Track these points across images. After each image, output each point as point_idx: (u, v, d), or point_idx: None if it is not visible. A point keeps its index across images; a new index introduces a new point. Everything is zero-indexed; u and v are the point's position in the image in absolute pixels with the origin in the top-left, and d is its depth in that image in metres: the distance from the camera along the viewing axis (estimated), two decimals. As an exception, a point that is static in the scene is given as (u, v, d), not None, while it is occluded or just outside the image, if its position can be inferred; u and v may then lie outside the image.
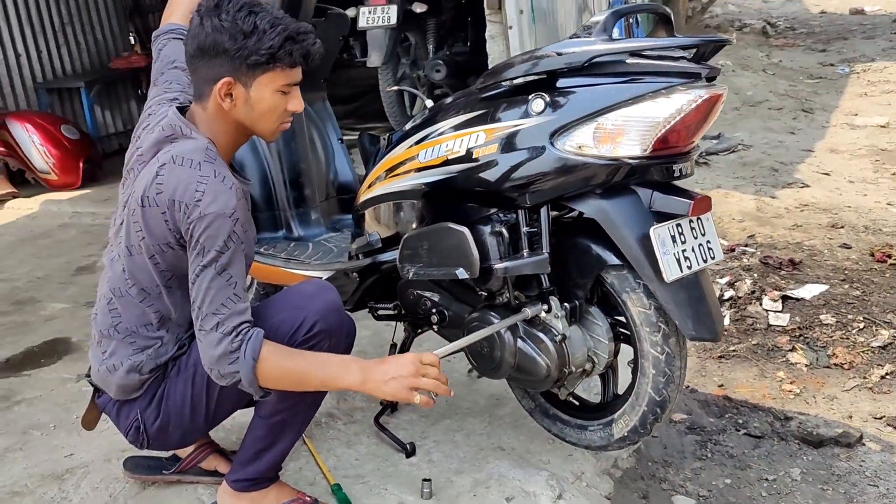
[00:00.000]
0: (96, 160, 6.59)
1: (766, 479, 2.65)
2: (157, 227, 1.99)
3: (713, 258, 2.27)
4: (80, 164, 6.32)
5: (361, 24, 6.00)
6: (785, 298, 3.71)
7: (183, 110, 2.14)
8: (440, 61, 6.34)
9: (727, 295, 3.77)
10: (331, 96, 3.53)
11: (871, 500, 2.53)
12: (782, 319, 3.56)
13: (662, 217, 2.19)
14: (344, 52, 7.34)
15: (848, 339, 3.40)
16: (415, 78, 6.59)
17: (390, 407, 2.86)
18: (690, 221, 2.23)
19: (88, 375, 2.28)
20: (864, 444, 2.79)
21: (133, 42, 7.81)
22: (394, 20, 5.96)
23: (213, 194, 1.94)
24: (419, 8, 6.19)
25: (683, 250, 2.20)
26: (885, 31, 10.25)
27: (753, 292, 3.77)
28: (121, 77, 7.44)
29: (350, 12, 6.13)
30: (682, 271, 2.18)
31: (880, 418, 2.92)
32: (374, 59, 6.15)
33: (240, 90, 2.02)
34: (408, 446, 2.66)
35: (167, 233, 1.99)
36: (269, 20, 2.00)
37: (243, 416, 2.33)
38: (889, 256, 4.05)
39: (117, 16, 7.68)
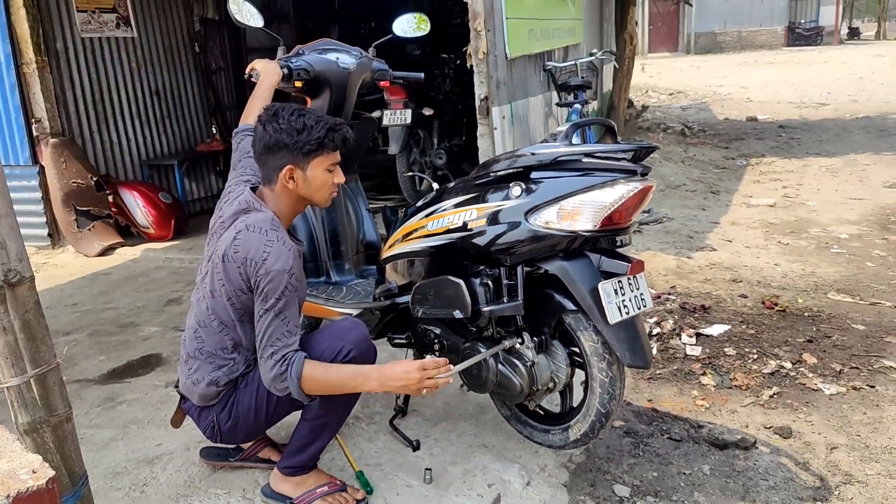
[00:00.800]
0: (184, 219, 6.60)
1: (684, 473, 2.63)
2: (234, 277, 2.01)
3: (645, 306, 2.29)
4: (172, 222, 6.33)
5: (385, 122, 6.07)
6: (698, 335, 3.71)
7: (254, 189, 2.16)
8: (442, 151, 6.40)
9: (655, 331, 3.77)
10: (360, 175, 3.57)
11: (763, 491, 2.51)
12: (696, 351, 3.56)
13: (608, 275, 2.22)
14: (371, 142, 7.41)
15: (745, 366, 3.40)
16: (423, 162, 6.65)
17: (402, 412, 2.85)
18: (629, 279, 2.26)
19: (177, 386, 2.28)
20: (757, 448, 2.78)
21: (214, 132, 7.87)
22: (409, 120, 6.04)
23: (276, 255, 1.97)
24: (428, 112, 6.28)
25: (623, 300, 2.22)
26: (773, 134, 10.36)
27: (674, 330, 3.77)
28: (203, 157, 7.49)
29: (375, 114, 6.22)
30: (622, 315, 2.20)
31: (769, 428, 2.91)
32: (393, 148, 6.22)
33: (299, 173, 2.06)
34: (414, 442, 2.65)
35: (241, 282, 2.01)
36: (315, 118, 2.05)
37: (291, 417, 2.32)
38: (776, 304, 4.06)
39: (203, 111, 7.75)
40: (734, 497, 2.50)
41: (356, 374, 2.04)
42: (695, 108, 13.72)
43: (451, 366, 2.08)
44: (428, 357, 2.10)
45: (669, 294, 4.28)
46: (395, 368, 2.01)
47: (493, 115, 4.56)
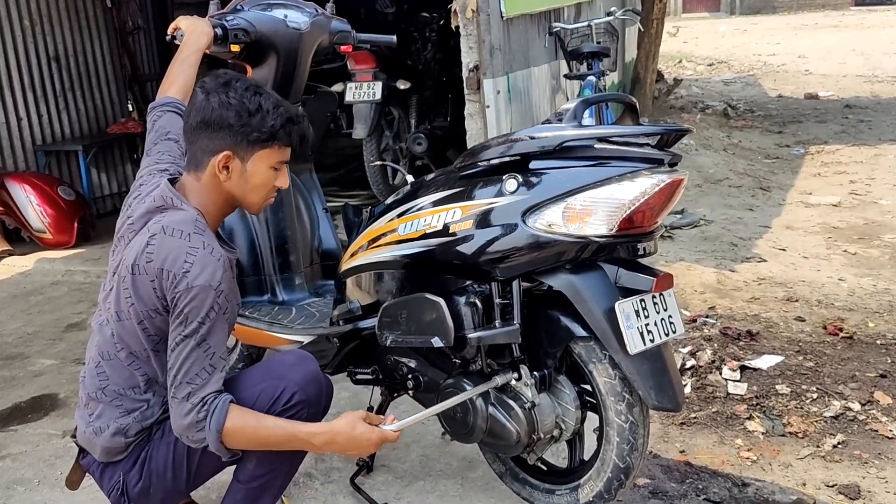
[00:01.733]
0: (90, 220, 6.57)
1: (725, 544, 2.64)
2: (146, 294, 2.00)
3: (674, 332, 2.29)
4: (75, 224, 6.29)
5: (348, 98, 6.07)
6: (743, 368, 3.73)
7: (173, 181, 2.15)
8: (421, 135, 6.40)
9: (689, 364, 3.78)
10: (316, 164, 3.56)
11: (825, 567, 2.52)
12: (740, 388, 3.57)
13: (627, 292, 2.22)
14: (330, 123, 7.41)
15: (802, 408, 3.41)
16: (397, 150, 6.64)
17: (366, 467, 2.84)
18: (653, 297, 2.26)
19: (74, 436, 2.25)
20: (817, 512, 2.79)
21: (131, 109, 7.85)
22: (378, 96, 6.04)
23: (201, 266, 1.96)
24: (403, 85, 6.27)
25: (647, 324, 2.22)
26: (837, 115, 10.47)
27: (713, 362, 3.78)
28: (117, 141, 7.46)
29: (337, 87, 6.23)
30: (645, 344, 2.20)
31: (832, 486, 2.92)
32: (360, 131, 6.20)
33: (237, 164, 2.06)
34: (382, 507, 2.64)
35: (155, 300, 1.99)
36: (273, 102, 2.07)
37: (224, 474, 2.30)
38: (840, 330, 4.08)
39: (117, 83, 7.73)
40: (788, 575, 2.50)
41: (296, 432, 2.05)
42: (740, 82, 13.86)
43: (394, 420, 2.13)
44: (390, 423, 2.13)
45: (707, 317, 4.29)
46: (355, 429, 2.04)
47: (484, 90, 4.57)
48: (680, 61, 16.86)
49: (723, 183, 7.20)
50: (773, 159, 8.27)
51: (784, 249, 5.45)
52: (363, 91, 6.08)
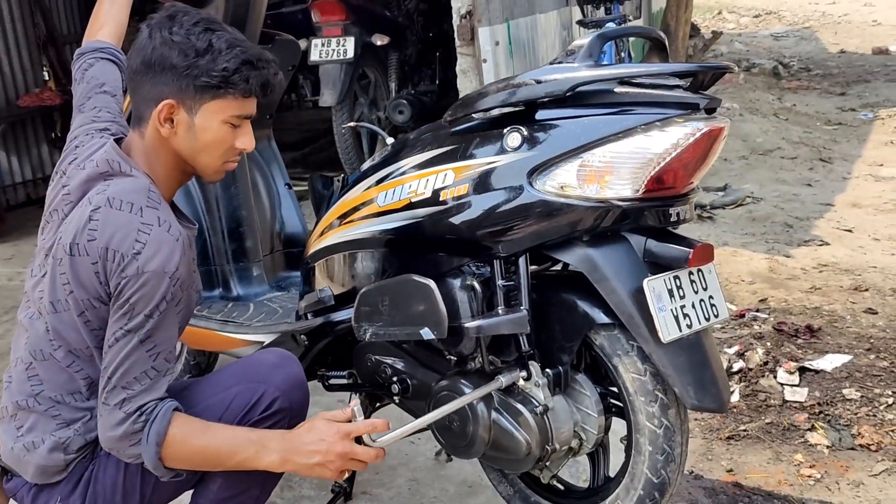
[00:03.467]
0: (-1, 213, 6.58)
1: (784, 579, 2.65)
2: (88, 279, 1.98)
3: (717, 316, 2.30)
4: (-20, 219, 6.30)
5: (314, 57, 6.08)
6: (802, 370, 3.74)
7: (118, 143, 2.15)
8: (403, 101, 6.42)
9: (736, 367, 3.79)
10: (277, 142, 3.56)
11: None
12: (800, 394, 3.59)
13: (658, 268, 2.22)
14: (292, 91, 7.41)
15: (875, 416, 3.43)
16: (374, 120, 6.67)
17: (344, 495, 2.85)
18: (690, 273, 2.26)
19: (-3, 455, 2.24)
20: (895, 537, 2.81)
21: (46, 77, 7.84)
22: (350, 54, 6.05)
23: (155, 246, 1.95)
24: (380, 40, 6.28)
25: (682, 306, 2.22)
26: (912, 72, 10.55)
27: (766, 363, 3.80)
28: (30, 117, 7.45)
29: (300, 45, 6.24)
30: (681, 330, 2.20)
31: (913, 507, 2.95)
32: (328, 97, 6.21)
33: (182, 116, 2.04)
34: (366, 542, 2.64)
35: (98, 286, 1.98)
36: (228, 40, 2.03)
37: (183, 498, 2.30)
38: (920, 323, 4.12)
39: (28, 47, 7.72)
40: None
41: (248, 442, 2.03)
42: (793, 36, 13.92)
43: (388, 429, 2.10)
44: (354, 407, 2.08)
45: (758, 311, 4.32)
46: (306, 437, 2.02)
47: (480, 40, 4.58)
48: (719, 12, 16.93)
49: (774, 154, 7.23)
50: (834, 126, 8.31)
51: (850, 231, 5.48)
52: (332, 49, 6.09)
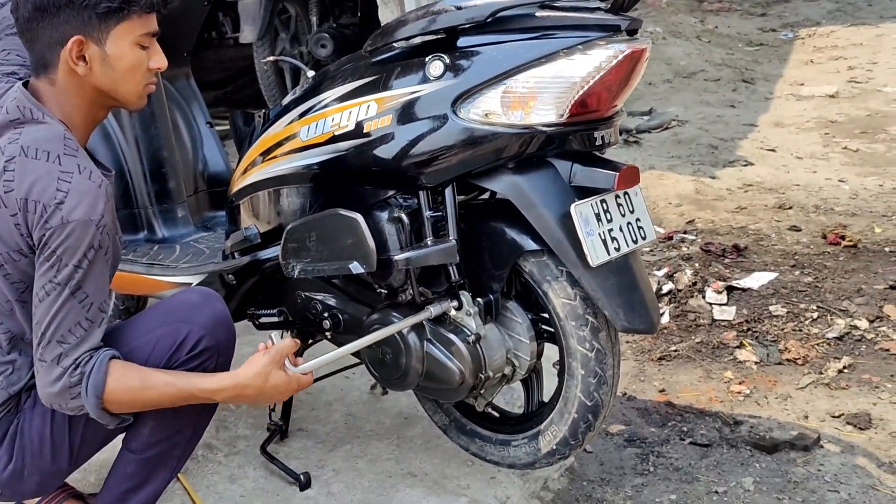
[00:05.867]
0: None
1: (716, 492, 2.71)
2: (6, 231, 1.93)
3: (644, 238, 2.31)
4: None
5: (229, -10, 5.95)
6: (730, 289, 3.81)
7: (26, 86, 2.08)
8: (325, 35, 6.32)
9: (665, 288, 3.85)
10: (198, 81, 3.49)
11: (833, 508, 2.62)
12: (728, 313, 3.65)
13: (585, 192, 2.22)
14: (212, 29, 7.26)
15: (801, 331, 3.50)
16: (297, 55, 6.55)
17: (279, 432, 2.84)
18: (617, 196, 2.27)
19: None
20: (822, 447, 2.88)
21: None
22: (269, -14, 5.93)
23: (78, 195, 1.90)
24: (300, -28, 6.17)
25: (610, 230, 2.23)
26: (831, -10, 10.63)
27: (695, 284, 3.86)
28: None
29: (217, -21, 6.10)
30: (609, 254, 2.21)
31: (838, 416, 3.02)
32: (248, 33, 6.09)
33: (94, 49, 1.99)
34: (301, 477, 2.64)
35: (18, 238, 1.93)
36: None
37: (102, 453, 2.27)
38: (842, 238, 4.19)
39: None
40: (791, 519, 2.59)
41: (193, 389, 2.03)
42: (714, -43, 13.93)
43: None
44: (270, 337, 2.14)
45: (686, 232, 4.37)
46: (268, 381, 2.04)
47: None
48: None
49: (697, 76, 7.28)
50: (756, 46, 8.37)
51: (773, 150, 5.55)
52: (249, -19, 5.95)
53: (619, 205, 2.28)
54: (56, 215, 1.89)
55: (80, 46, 1.98)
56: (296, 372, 2.10)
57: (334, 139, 2.37)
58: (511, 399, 2.96)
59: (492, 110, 2.18)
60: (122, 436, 2.21)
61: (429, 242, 2.32)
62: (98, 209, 1.92)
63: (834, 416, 3.02)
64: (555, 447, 2.45)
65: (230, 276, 2.70)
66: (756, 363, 3.35)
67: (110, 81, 2.03)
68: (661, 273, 3.95)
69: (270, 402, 2.12)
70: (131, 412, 2.06)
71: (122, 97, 2.08)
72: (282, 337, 2.85)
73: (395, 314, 2.41)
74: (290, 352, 2.11)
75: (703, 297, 3.77)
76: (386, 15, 4.61)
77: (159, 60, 2.08)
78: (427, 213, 2.33)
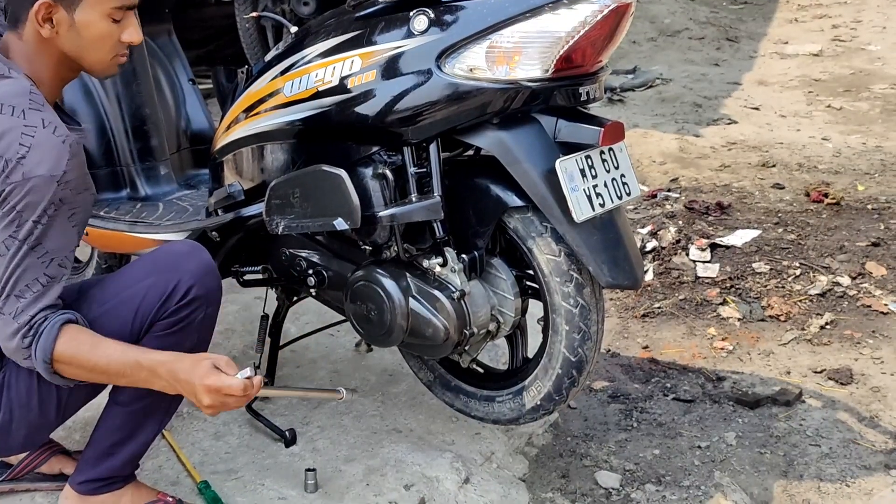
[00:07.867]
0: None
1: (699, 447, 2.73)
2: None
3: (629, 194, 2.31)
4: None
5: (210, -54, 5.89)
6: (714, 247, 3.82)
7: None
8: (309, -10, 6.27)
9: (649, 246, 3.86)
10: (180, 41, 3.47)
11: (814, 462, 2.63)
12: (711, 270, 3.67)
13: (570, 148, 2.22)
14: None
15: (783, 287, 3.52)
16: (279, 12, 6.48)
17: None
18: (602, 152, 2.27)
19: None
20: (803, 402, 2.90)
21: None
22: (250, -61, 5.87)
23: (41, 151, 1.88)
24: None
25: (595, 185, 2.23)
26: (815, -52, 10.59)
27: (678, 241, 3.87)
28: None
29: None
30: (594, 210, 2.21)
31: (820, 372, 3.04)
32: (229, -10, 6.05)
33: (62, 14, 1.95)
34: (287, 434, 2.64)
35: None
36: None
37: (87, 410, 2.27)
38: (825, 196, 4.21)
39: None
40: (772, 473, 2.61)
41: (139, 362, 1.96)
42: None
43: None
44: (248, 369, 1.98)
45: (669, 190, 4.37)
46: (213, 387, 1.91)
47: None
48: None
49: (681, 35, 7.26)
50: (740, 5, 8.34)
51: (757, 108, 5.55)
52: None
53: (603, 161, 2.27)
54: (17, 170, 1.86)
55: (49, 9, 1.94)
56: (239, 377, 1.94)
57: (318, 95, 2.35)
58: (495, 355, 2.97)
59: (476, 65, 2.17)
60: (109, 388, 2.20)
61: (413, 199, 2.30)
62: (61, 165, 1.89)
63: (816, 372, 3.05)
64: (539, 403, 2.45)
65: (214, 232, 2.69)
66: (739, 320, 3.37)
67: (76, 48, 2.00)
68: (644, 230, 3.96)
69: (200, 405, 1.96)
70: (84, 379, 2.02)
71: (87, 65, 2.05)
72: (265, 302, 2.85)
73: (379, 271, 2.40)
74: (235, 393, 1.93)
75: (687, 255, 3.78)
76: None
77: (132, 34, 2.03)
78: (412, 170, 2.32)
